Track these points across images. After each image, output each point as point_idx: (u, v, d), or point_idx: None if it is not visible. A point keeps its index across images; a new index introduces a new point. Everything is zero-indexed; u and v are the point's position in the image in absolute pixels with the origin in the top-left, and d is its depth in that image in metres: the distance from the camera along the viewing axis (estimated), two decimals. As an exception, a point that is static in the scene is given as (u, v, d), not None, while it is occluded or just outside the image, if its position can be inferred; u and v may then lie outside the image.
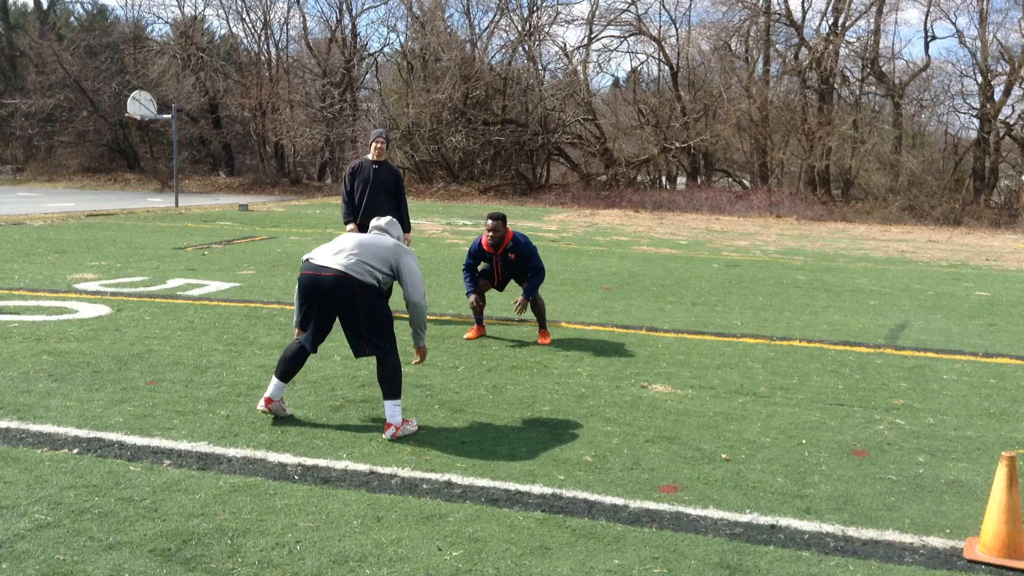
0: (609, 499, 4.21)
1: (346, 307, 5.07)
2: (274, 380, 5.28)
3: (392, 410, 5.07)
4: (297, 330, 5.36)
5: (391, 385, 5.09)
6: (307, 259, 5.19)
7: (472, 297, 7.85)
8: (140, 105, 27.29)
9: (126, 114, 29.14)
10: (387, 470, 4.49)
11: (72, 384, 5.86)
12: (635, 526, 3.92)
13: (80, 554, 3.46)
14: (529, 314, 8.94)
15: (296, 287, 5.24)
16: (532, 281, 7.84)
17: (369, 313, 5.09)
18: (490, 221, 7.73)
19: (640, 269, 13.82)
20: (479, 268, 8.10)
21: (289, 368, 5.29)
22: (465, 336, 7.92)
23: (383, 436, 5.04)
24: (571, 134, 38.37)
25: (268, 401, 5.24)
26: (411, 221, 10.39)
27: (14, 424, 4.97)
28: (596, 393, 6.11)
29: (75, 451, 4.59)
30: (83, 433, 4.86)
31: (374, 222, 5.63)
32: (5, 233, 16.09)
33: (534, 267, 7.89)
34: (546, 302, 9.99)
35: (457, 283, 11.42)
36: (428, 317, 7.22)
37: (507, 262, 7.90)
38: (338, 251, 5.17)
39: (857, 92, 36.36)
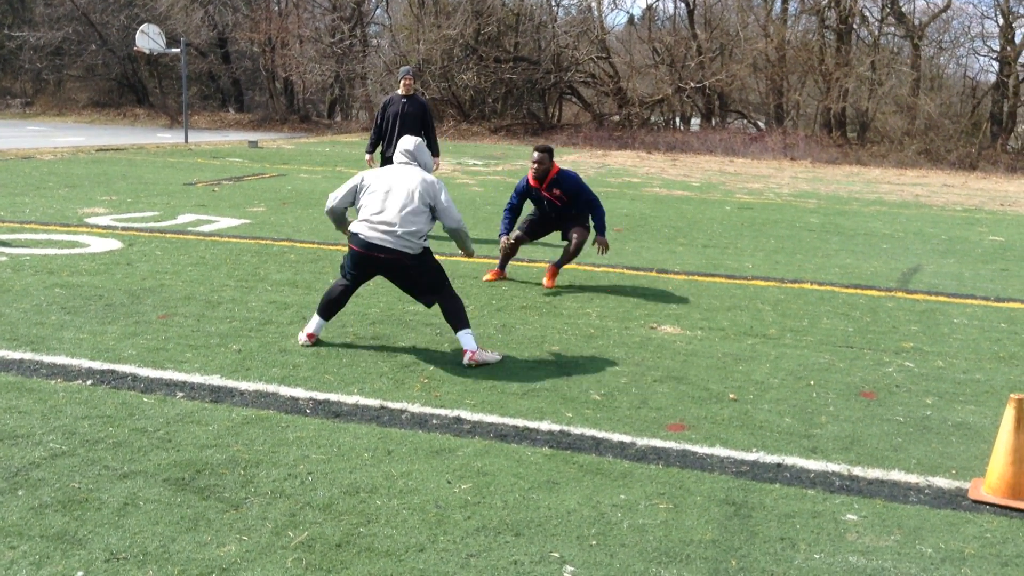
0: (616, 436, 4.24)
1: (399, 277, 5.40)
2: (315, 317, 5.54)
3: (466, 338, 5.28)
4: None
5: (457, 318, 5.36)
6: (355, 233, 5.34)
7: (504, 238, 7.62)
8: (149, 39, 26.99)
9: (135, 48, 28.85)
10: (397, 405, 4.53)
11: (85, 317, 5.91)
12: (642, 463, 3.96)
13: (95, 482, 3.52)
14: (533, 253, 8.91)
15: (347, 254, 5.47)
16: (597, 218, 7.57)
17: (422, 274, 5.37)
18: (536, 153, 7.52)
19: (651, 211, 13.75)
20: (527, 214, 7.92)
21: (333, 307, 5.55)
22: (484, 278, 7.86)
23: (463, 362, 5.22)
24: (584, 73, 37.86)
25: (311, 336, 5.51)
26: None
27: (28, 355, 5.02)
28: (605, 333, 6.13)
29: (89, 383, 4.64)
30: (97, 365, 4.91)
31: (401, 145, 5.64)
32: (16, 167, 16.07)
33: (588, 201, 7.58)
34: (558, 243, 9.99)
35: (468, 223, 11.38)
36: (441, 257, 7.16)
37: (553, 197, 7.60)
38: (386, 225, 5.25)
39: (876, 33, 35.65)
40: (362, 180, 5.50)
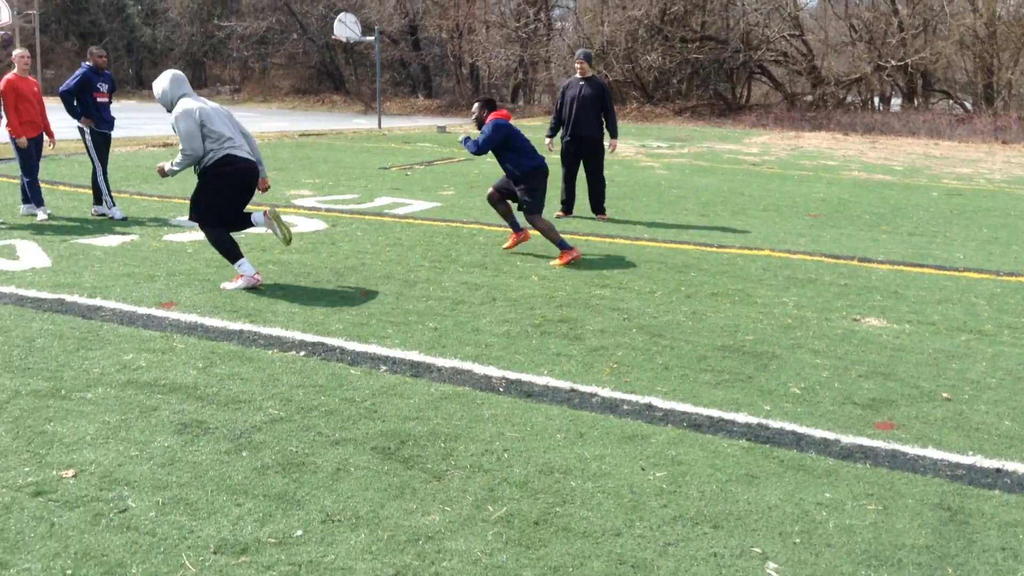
0: (819, 433, 4.08)
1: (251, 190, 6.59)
2: (242, 263, 6.30)
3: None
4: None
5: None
6: (236, 156, 6.27)
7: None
8: (346, 27, 28.30)
9: (333, 36, 30.32)
10: (588, 389, 4.55)
11: (296, 292, 6.29)
12: (847, 461, 3.79)
13: (310, 447, 3.74)
14: (710, 237, 8.68)
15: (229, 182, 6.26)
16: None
17: None
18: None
19: (851, 196, 13.09)
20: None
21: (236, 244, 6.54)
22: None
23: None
24: (775, 51, 36.45)
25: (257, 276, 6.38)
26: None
27: (248, 327, 5.40)
28: (804, 324, 5.89)
29: (302, 353, 4.94)
30: (308, 337, 5.22)
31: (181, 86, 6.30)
32: (229, 150, 17.28)
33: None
34: (749, 228, 9.77)
35: (652, 207, 11.26)
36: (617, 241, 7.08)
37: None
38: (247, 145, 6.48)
39: (1105, 2, 32.29)
40: (200, 115, 6.09)
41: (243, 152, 6.25)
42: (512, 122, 7.66)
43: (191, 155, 6.08)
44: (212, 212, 6.29)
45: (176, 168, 6.20)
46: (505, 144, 7.57)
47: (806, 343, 5.46)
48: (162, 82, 6.25)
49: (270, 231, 6.49)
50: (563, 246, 7.56)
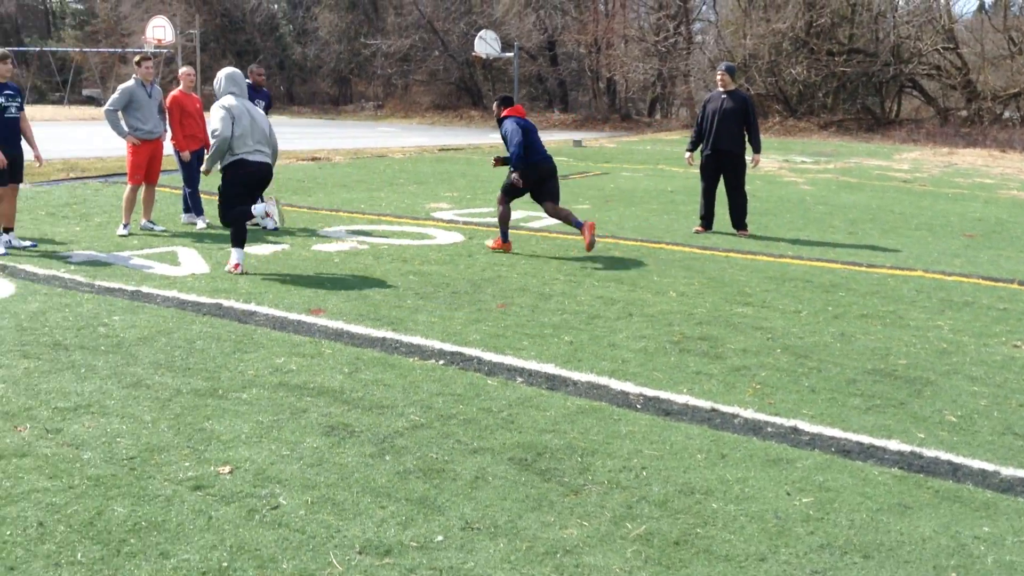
0: (977, 463, 3.85)
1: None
2: (236, 251, 7.31)
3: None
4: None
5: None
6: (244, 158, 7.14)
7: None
8: (486, 44, 28.89)
9: (473, 54, 30.97)
10: (729, 409, 4.45)
11: (435, 302, 6.43)
12: (1007, 495, 3.56)
13: (450, 454, 3.81)
14: (873, 258, 8.33)
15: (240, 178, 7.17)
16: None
17: None
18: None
19: (1009, 216, 12.35)
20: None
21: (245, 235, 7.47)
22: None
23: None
24: (927, 65, 34.88)
25: (238, 266, 7.27)
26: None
27: (390, 334, 5.56)
28: (960, 349, 5.58)
29: (441, 362, 5.04)
30: (447, 347, 5.32)
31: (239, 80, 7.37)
32: (372, 164, 17.90)
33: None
34: (900, 248, 9.38)
35: (796, 224, 10.94)
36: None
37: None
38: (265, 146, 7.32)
39: None
40: (232, 112, 7.05)
41: (256, 156, 7.18)
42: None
43: (217, 137, 7.02)
44: (229, 201, 7.22)
45: (214, 152, 7.18)
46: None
47: (963, 369, 5.17)
48: (221, 75, 7.40)
49: (269, 215, 7.20)
50: (504, 236, 8.49)
